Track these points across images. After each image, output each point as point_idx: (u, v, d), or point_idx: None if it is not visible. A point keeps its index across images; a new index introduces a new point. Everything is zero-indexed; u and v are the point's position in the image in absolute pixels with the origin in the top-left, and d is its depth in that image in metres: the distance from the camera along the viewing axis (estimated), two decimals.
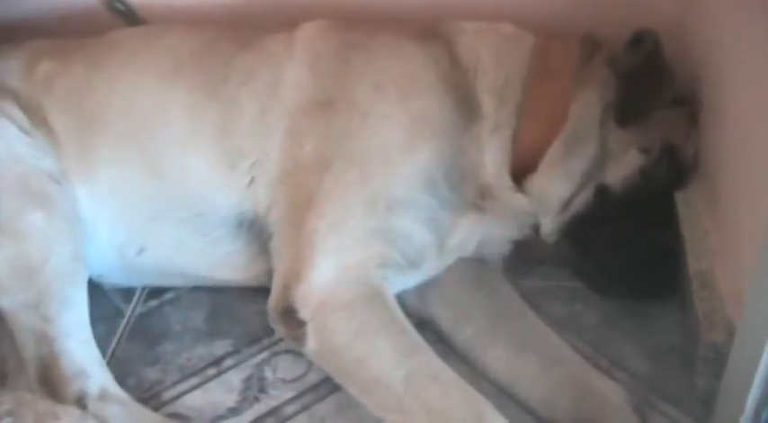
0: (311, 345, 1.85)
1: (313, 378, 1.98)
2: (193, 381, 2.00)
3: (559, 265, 2.16)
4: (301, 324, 1.85)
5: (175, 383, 1.99)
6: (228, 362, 2.04)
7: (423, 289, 2.05)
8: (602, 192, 2.03)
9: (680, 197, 2.10)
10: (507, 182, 2.04)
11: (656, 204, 2.07)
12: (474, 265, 2.09)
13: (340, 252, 1.88)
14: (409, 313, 1.94)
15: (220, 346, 2.08)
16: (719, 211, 2.00)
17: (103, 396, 1.84)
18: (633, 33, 2.02)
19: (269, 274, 1.99)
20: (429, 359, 1.79)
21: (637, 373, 1.96)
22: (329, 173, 1.93)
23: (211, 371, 2.02)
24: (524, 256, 2.16)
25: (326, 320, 1.84)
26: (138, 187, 2.05)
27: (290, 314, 1.87)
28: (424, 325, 2.03)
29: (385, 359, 1.78)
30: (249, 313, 2.14)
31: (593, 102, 2.02)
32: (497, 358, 1.94)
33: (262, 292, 2.00)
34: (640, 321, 2.06)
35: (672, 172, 2.07)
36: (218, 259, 2.09)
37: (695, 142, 2.12)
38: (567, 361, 1.91)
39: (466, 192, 2.01)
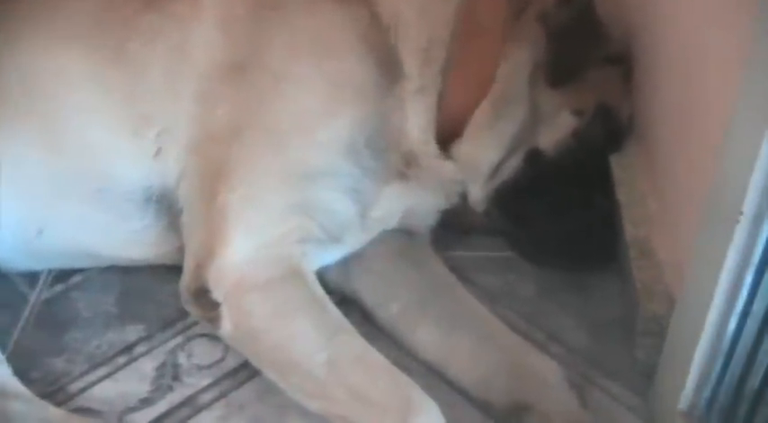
0: (226, 327, 1.69)
1: (230, 363, 1.83)
2: (103, 370, 1.83)
3: (491, 234, 2.02)
4: (215, 305, 1.69)
5: (83, 374, 1.83)
6: (140, 348, 1.87)
7: (345, 264, 1.90)
8: (533, 156, 1.89)
9: (615, 160, 1.97)
10: (433, 148, 1.88)
11: (591, 168, 1.94)
12: (400, 238, 1.94)
13: (255, 227, 1.72)
14: (331, 290, 1.82)
15: (132, 332, 1.91)
16: (657, 175, 1.87)
17: (1, 393, 1.68)
18: None
19: (182, 251, 1.82)
20: (352, 340, 1.66)
21: (575, 346, 1.84)
22: (241, 142, 1.77)
23: (122, 359, 1.86)
24: (453, 226, 2.02)
25: (242, 301, 1.68)
26: (35, 160, 1.85)
27: (203, 295, 1.71)
28: (348, 302, 1.89)
29: (305, 342, 1.64)
30: (163, 294, 1.97)
31: (522, 61, 1.87)
32: (427, 337, 1.80)
33: (177, 270, 1.83)
34: (578, 292, 1.94)
35: (607, 134, 1.94)
36: (125, 237, 1.90)
37: (631, 102, 1.98)
38: (501, 338, 1.78)
39: (390, 159, 1.85)
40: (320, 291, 1.72)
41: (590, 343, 1.84)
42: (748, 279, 1.36)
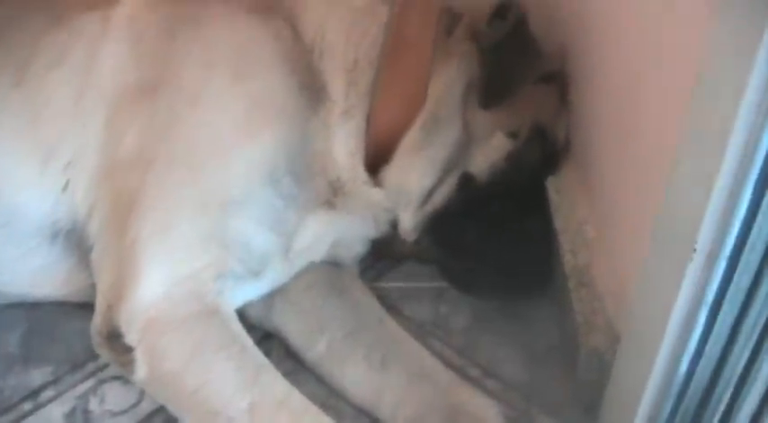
0: (141, 372, 1.50)
1: (146, 408, 1.64)
2: (6, 419, 1.62)
3: (422, 263, 1.87)
4: (129, 349, 1.51)
5: None
6: (48, 393, 1.67)
7: (267, 297, 1.71)
8: (466, 182, 1.74)
9: (551, 184, 1.82)
10: (361, 174, 1.72)
11: (526, 193, 1.80)
12: (326, 269, 1.77)
13: (168, 263, 1.53)
14: (252, 326, 1.67)
15: (38, 375, 1.69)
16: (595, 200, 1.73)
17: None
18: (496, 4, 1.74)
19: (93, 288, 1.63)
20: (275, 383, 1.48)
21: (512, 381, 1.68)
22: (152, 170, 1.58)
23: (27, 405, 1.65)
24: (382, 255, 1.86)
25: (156, 344, 1.50)
26: None
27: (116, 338, 1.52)
28: (270, 337, 1.72)
29: (225, 386, 1.46)
30: (71, 332, 1.76)
31: (453, 80, 1.72)
32: (356, 375, 1.63)
33: (86, 307, 1.66)
34: (514, 323, 1.78)
35: (542, 156, 1.80)
36: (32, 274, 1.70)
37: (566, 122, 1.85)
38: (434, 375, 1.61)
39: (314, 187, 1.68)
40: (239, 329, 1.54)
41: (528, 376, 1.69)
42: (701, 318, 1.23)
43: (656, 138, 1.45)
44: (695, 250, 1.17)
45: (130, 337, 1.51)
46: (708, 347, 1.26)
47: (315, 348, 1.68)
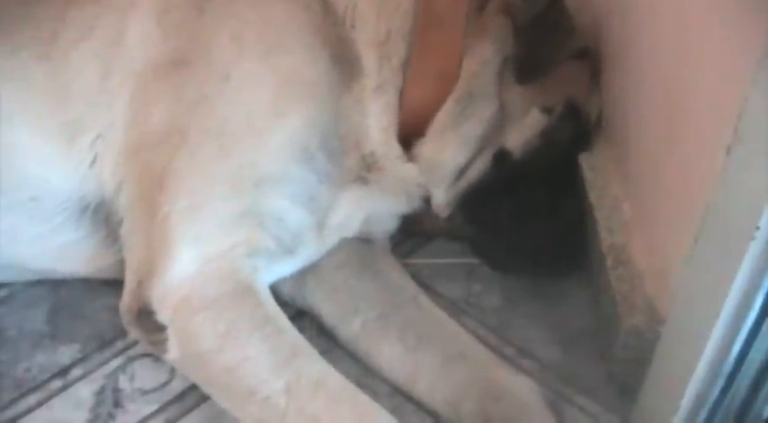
0: (173, 351, 1.46)
1: (177, 387, 1.59)
2: (34, 397, 1.58)
3: (453, 239, 1.81)
4: (161, 328, 1.46)
5: (12, 402, 1.57)
6: (76, 372, 1.62)
7: (300, 275, 1.66)
8: (501, 158, 1.69)
9: (585, 161, 1.77)
10: (395, 149, 1.66)
11: (560, 170, 1.74)
12: (358, 246, 1.71)
13: (201, 240, 1.48)
14: (284, 303, 1.60)
15: (65, 353, 1.64)
16: (631, 178, 1.68)
17: None
18: None
19: (121, 264, 1.58)
20: (312, 363, 1.43)
21: (547, 361, 1.63)
22: (184, 146, 1.52)
23: (56, 384, 1.60)
24: (413, 232, 1.81)
25: (189, 323, 1.44)
26: None
27: (146, 316, 1.47)
28: (302, 315, 1.67)
29: (261, 367, 1.41)
30: (98, 310, 1.71)
31: (488, 56, 1.66)
32: (392, 354, 1.59)
33: (112, 284, 1.62)
34: (547, 302, 1.73)
35: (575, 133, 1.75)
36: (59, 250, 1.64)
37: (598, 99, 1.79)
38: (470, 355, 1.57)
39: (348, 162, 1.63)
40: (275, 308, 1.49)
41: (562, 357, 1.64)
42: (759, 300, 1.18)
43: (697, 116, 1.40)
44: (758, 228, 1.12)
45: (162, 316, 1.46)
46: (763, 327, 1.21)
47: (349, 328, 1.63)
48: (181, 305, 1.45)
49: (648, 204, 1.60)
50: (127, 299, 1.51)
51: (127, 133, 1.57)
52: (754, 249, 1.14)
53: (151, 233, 1.51)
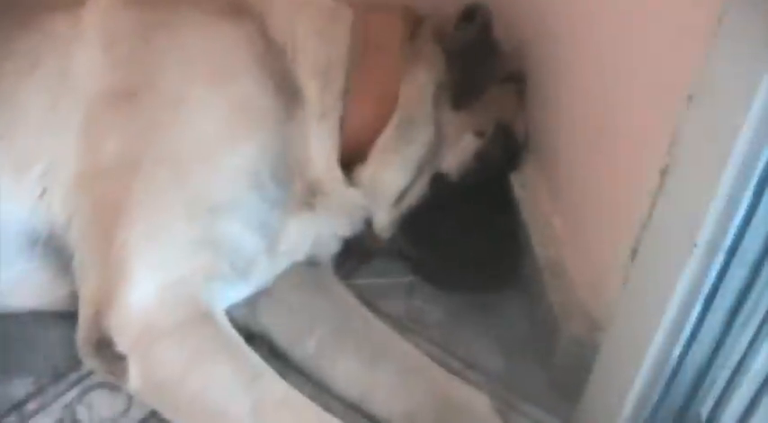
0: (135, 381, 1.46)
1: (136, 414, 1.59)
2: None
3: (392, 258, 1.87)
4: (121, 358, 1.47)
5: None
6: (32, 405, 1.60)
7: (252, 299, 1.69)
8: (438, 180, 1.76)
9: (515, 179, 1.86)
10: (338, 175, 1.71)
11: (492, 188, 1.83)
12: (305, 268, 1.75)
13: (158, 267, 1.50)
14: (237, 328, 1.59)
15: (19, 386, 1.63)
16: (560, 194, 1.77)
17: None
18: (464, 7, 1.76)
19: (74, 296, 1.58)
20: (274, 383, 1.47)
21: (492, 372, 1.70)
22: (138, 176, 1.54)
23: (12, 419, 1.57)
24: (354, 253, 1.86)
25: (151, 351, 1.46)
26: None
27: (106, 346, 1.48)
28: (252, 337, 1.68)
29: (226, 390, 1.44)
30: (51, 341, 1.69)
31: (424, 82, 1.74)
32: (348, 370, 1.63)
33: (62, 315, 1.63)
34: (486, 315, 1.80)
35: (506, 153, 1.83)
36: (9, 283, 1.63)
37: (524, 119, 1.88)
38: (423, 370, 1.62)
39: (295, 189, 1.67)
40: (233, 332, 1.52)
41: (505, 367, 1.72)
42: (697, 307, 1.28)
43: (627, 135, 1.50)
44: (695, 245, 1.21)
45: (123, 345, 1.47)
46: (701, 334, 1.31)
47: (304, 346, 1.67)
48: (141, 334, 1.47)
49: (578, 219, 1.69)
50: (84, 330, 1.51)
51: (78, 164, 1.57)
52: (692, 262, 1.23)
53: (107, 262, 1.52)
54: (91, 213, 1.56)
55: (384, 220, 1.77)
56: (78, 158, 1.58)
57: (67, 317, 1.58)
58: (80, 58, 1.62)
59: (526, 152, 1.89)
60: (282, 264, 1.70)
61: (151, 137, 1.57)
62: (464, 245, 1.77)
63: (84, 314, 1.52)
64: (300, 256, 1.72)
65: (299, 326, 1.69)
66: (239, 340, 1.51)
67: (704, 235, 1.20)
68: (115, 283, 1.49)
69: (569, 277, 1.67)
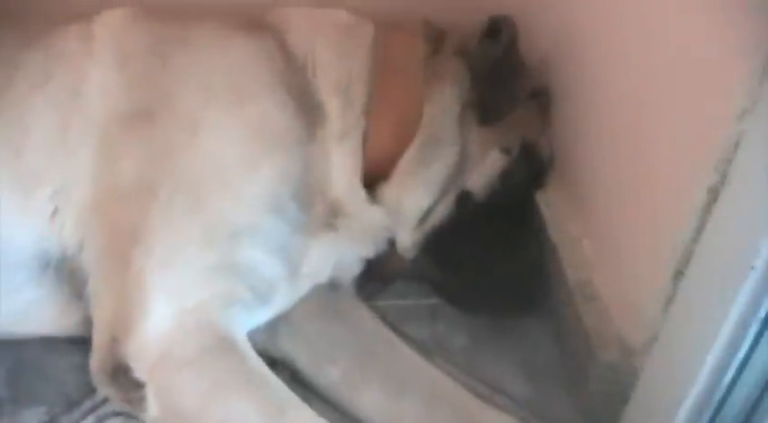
0: (153, 410, 1.39)
1: None
2: None
3: (414, 281, 1.80)
4: (138, 385, 1.39)
5: None
6: None
7: (272, 324, 1.60)
8: (464, 200, 1.69)
9: (541, 199, 1.79)
10: (360, 194, 1.64)
11: (518, 209, 1.76)
12: (324, 293, 1.67)
13: (177, 294, 1.42)
14: (258, 353, 1.51)
15: (31, 417, 1.53)
16: (588, 214, 1.70)
17: None
18: (489, 22, 1.69)
19: (86, 322, 1.50)
20: (302, 415, 1.39)
21: (519, 397, 1.62)
22: (155, 200, 1.46)
23: None
24: (375, 275, 1.78)
25: (171, 380, 1.39)
26: None
27: (122, 374, 1.40)
28: (274, 362, 1.60)
29: (251, 421, 1.37)
30: (63, 369, 1.61)
31: (449, 99, 1.67)
32: (374, 401, 1.55)
33: (73, 341, 1.56)
34: (511, 340, 1.73)
35: (532, 172, 1.77)
36: (20, 310, 1.55)
37: (549, 137, 1.82)
38: (452, 397, 1.55)
39: (316, 210, 1.59)
40: (257, 360, 1.44)
41: (533, 392, 1.64)
42: (752, 331, 1.21)
43: (665, 153, 1.42)
44: (753, 268, 1.15)
45: (140, 373, 1.40)
46: (752, 361, 1.24)
47: (327, 377, 1.59)
48: (160, 362, 1.39)
49: (609, 240, 1.62)
50: (99, 357, 1.44)
51: (92, 186, 1.50)
52: (748, 285, 1.16)
53: (124, 288, 1.44)
54: (106, 237, 1.49)
55: (407, 240, 1.69)
56: (92, 180, 1.51)
57: (80, 343, 1.51)
58: (94, 77, 1.56)
59: (551, 171, 1.82)
60: (304, 287, 1.62)
61: (169, 161, 1.50)
62: (489, 267, 1.69)
63: (99, 341, 1.45)
64: (322, 279, 1.65)
65: (320, 355, 1.61)
66: (263, 368, 1.44)
67: (763, 257, 1.14)
68: (132, 309, 1.42)
69: (602, 301, 1.60)
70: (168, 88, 1.54)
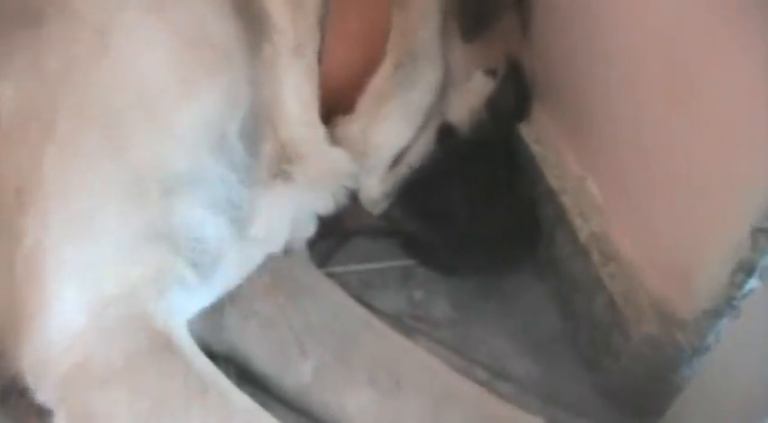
0: None
1: None
2: None
3: (378, 237, 1.38)
4: (41, 412, 0.93)
5: None
6: None
7: (214, 308, 1.15)
8: (445, 135, 1.28)
9: (527, 133, 1.40)
10: (319, 131, 1.19)
11: (503, 146, 1.36)
12: (275, 262, 1.22)
13: (91, 278, 0.96)
14: None
15: None
16: (591, 149, 1.32)
17: None
18: None
19: None
20: None
21: (525, 380, 1.24)
22: (50, 140, 0.98)
23: None
24: (328, 231, 1.34)
25: (90, 401, 0.94)
26: None
27: (16, 397, 0.94)
28: (214, 357, 1.15)
29: None
30: None
31: (428, 8, 1.24)
32: (363, 403, 1.13)
33: None
34: (503, 305, 1.34)
35: (519, 98, 1.37)
36: None
37: (530, 55, 1.42)
38: (459, 391, 1.15)
39: (266, 152, 1.14)
40: (206, 362, 1.00)
41: (540, 372, 1.26)
42: None
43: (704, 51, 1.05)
44: None
45: (44, 394, 0.94)
46: None
47: (296, 375, 1.15)
48: (73, 376, 0.94)
49: (626, 181, 1.25)
50: None
51: None
52: None
53: (11, 275, 0.96)
54: None
55: (376, 189, 1.27)
56: None
57: None
58: None
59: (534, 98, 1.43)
60: (255, 256, 1.17)
61: (65, 82, 1.00)
62: (476, 217, 1.30)
63: None
64: (278, 243, 1.20)
65: (284, 347, 1.17)
66: (215, 373, 0.99)
67: None
68: (25, 304, 0.95)
69: (626, 259, 1.23)
70: None
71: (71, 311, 0.95)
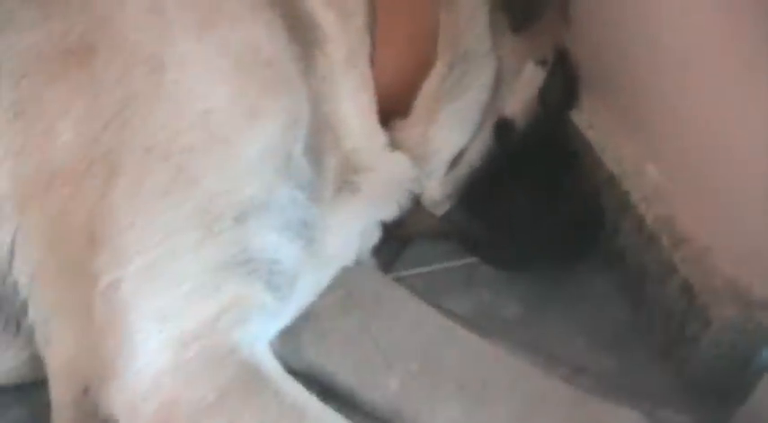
0: None
1: None
2: None
3: (439, 239, 1.33)
4: None
5: None
6: None
7: (291, 326, 1.10)
8: (503, 130, 1.23)
9: (579, 120, 1.35)
10: (380, 139, 1.16)
11: (557, 135, 1.32)
12: (347, 274, 1.17)
13: (172, 314, 0.92)
14: None
15: None
16: (647, 132, 1.27)
17: None
18: None
19: (33, 363, 0.99)
20: None
21: (604, 374, 1.19)
22: (115, 178, 0.94)
23: None
24: (390, 237, 1.29)
25: None
26: None
27: None
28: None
29: None
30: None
31: (477, 6, 1.19)
32: (452, 416, 1.07)
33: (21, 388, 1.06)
34: (572, 297, 1.29)
35: (568, 86, 1.32)
36: None
37: (571, 41, 1.36)
38: (550, 394, 1.10)
39: (330, 166, 1.10)
40: (296, 386, 0.96)
41: (617, 365, 1.21)
42: None
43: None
44: None
45: None
46: None
47: (383, 389, 1.10)
48: (165, 413, 0.90)
49: (689, 165, 1.20)
50: (65, 417, 0.93)
51: (14, 163, 0.96)
52: None
53: (90, 314, 0.92)
54: (48, 242, 0.96)
55: (438, 191, 1.22)
56: (14, 154, 0.96)
57: (24, 390, 1.00)
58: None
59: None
60: (329, 272, 1.13)
61: (128, 122, 0.96)
62: (540, 211, 1.25)
63: (63, 393, 0.94)
64: (350, 256, 1.16)
65: (368, 361, 1.12)
66: (307, 398, 0.96)
67: None
68: (107, 345, 0.91)
69: (697, 241, 1.18)
70: (108, 12, 1.00)
71: (155, 350, 0.91)
